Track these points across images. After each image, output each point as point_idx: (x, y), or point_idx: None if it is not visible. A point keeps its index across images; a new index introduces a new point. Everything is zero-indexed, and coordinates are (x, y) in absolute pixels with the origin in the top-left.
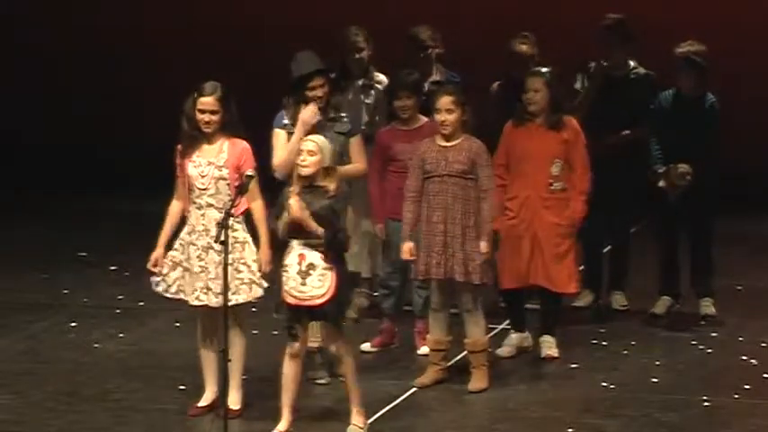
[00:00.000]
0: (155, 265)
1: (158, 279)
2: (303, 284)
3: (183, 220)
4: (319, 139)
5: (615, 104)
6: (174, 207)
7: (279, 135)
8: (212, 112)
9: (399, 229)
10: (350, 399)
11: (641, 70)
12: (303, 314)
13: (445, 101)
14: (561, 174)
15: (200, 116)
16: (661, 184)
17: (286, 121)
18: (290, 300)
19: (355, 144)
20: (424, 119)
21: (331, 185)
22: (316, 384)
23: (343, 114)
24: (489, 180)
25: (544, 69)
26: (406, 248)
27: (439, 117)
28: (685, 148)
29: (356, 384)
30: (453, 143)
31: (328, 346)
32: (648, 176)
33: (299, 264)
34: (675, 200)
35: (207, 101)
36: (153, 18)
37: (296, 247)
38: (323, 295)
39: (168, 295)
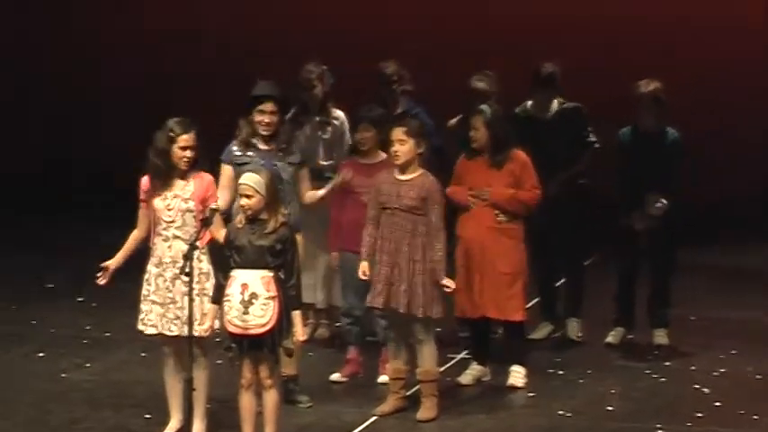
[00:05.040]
0: (106, 270)
1: (141, 317)
2: (245, 314)
3: (147, 252)
4: (252, 178)
5: (551, 144)
6: (135, 234)
7: (225, 171)
8: (192, 148)
9: (355, 260)
10: None
11: (569, 105)
12: (245, 343)
13: (397, 132)
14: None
15: (181, 153)
16: (637, 225)
17: (237, 153)
18: (231, 329)
19: (303, 176)
20: (384, 154)
21: (272, 219)
22: (300, 408)
23: (294, 147)
24: (439, 220)
25: (485, 107)
26: (362, 269)
27: (392, 148)
28: (650, 182)
29: (275, 421)
30: (408, 177)
31: (262, 376)
32: (621, 222)
33: (242, 293)
34: (644, 238)
35: (188, 137)
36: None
37: (238, 277)
38: (265, 324)
39: (147, 331)
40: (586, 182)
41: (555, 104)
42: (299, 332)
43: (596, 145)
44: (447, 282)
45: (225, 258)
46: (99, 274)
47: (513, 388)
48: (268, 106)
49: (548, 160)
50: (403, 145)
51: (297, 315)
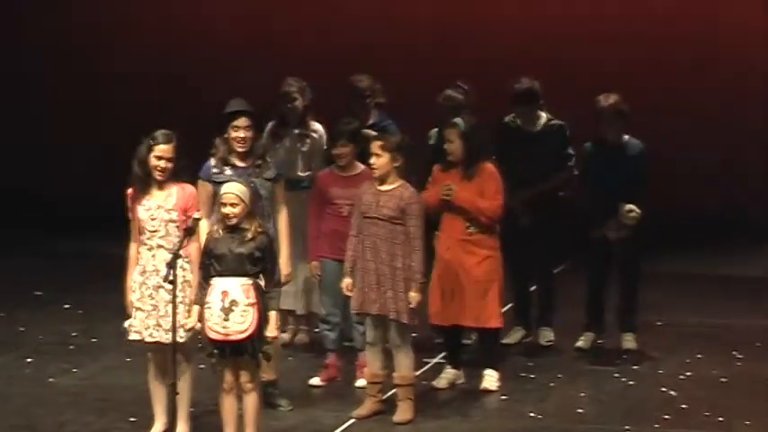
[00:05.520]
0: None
1: (128, 324)
2: (226, 320)
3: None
4: (237, 187)
5: (536, 156)
6: (133, 250)
7: (202, 187)
8: (168, 160)
9: (334, 268)
10: None
11: (556, 122)
12: (226, 350)
13: (374, 146)
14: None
15: (156, 163)
16: (610, 234)
17: (213, 169)
18: (212, 335)
19: (279, 188)
20: (362, 166)
21: (251, 228)
22: (280, 411)
23: (269, 161)
24: (417, 230)
25: (459, 120)
26: (345, 284)
27: (370, 161)
28: (618, 193)
29: (256, 423)
30: (387, 188)
31: (242, 380)
32: (591, 232)
33: (222, 300)
34: (618, 246)
35: (165, 149)
36: None
37: (218, 285)
38: (245, 331)
39: (131, 337)
40: (564, 194)
41: (543, 118)
42: (272, 330)
43: (570, 162)
44: (412, 295)
45: (204, 265)
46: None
47: (487, 391)
48: (242, 122)
49: (530, 172)
50: (379, 158)
51: (272, 315)
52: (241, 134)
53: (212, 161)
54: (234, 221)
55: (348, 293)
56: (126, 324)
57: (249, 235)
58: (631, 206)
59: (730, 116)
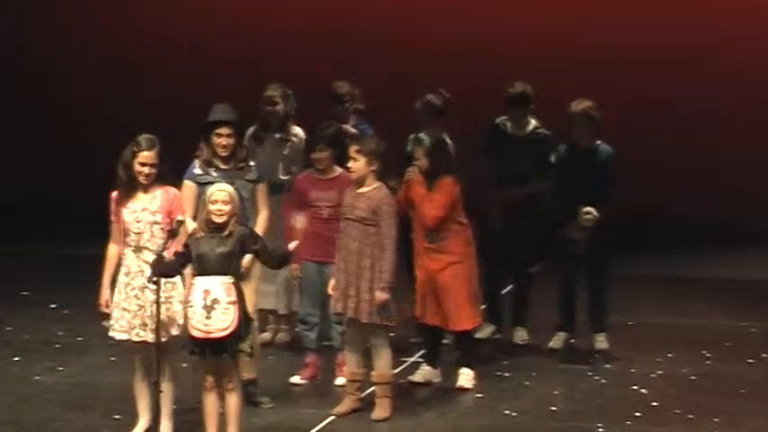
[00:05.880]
0: (107, 306)
1: (111, 323)
2: (208, 318)
3: (118, 262)
4: (228, 188)
5: (518, 160)
6: (112, 250)
7: (186, 188)
8: (152, 165)
9: (313, 270)
10: None
11: (543, 131)
12: (207, 347)
13: (351, 150)
14: (441, 225)
15: (140, 168)
16: (574, 235)
17: (197, 171)
18: (195, 333)
19: (261, 190)
20: (340, 169)
21: (234, 229)
22: (262, 409)
23: (251, 164)
24: (389, 230)
25: (424, 137)
26: (330, 284)
27: (348, 164)
28: (586, 196)
29: (237, 421)
30: (364, 190)
31: (224, 379)
32: (557, 233)
33: (204, 299)
34: (581, 247)
35: (148, 155)
36: None
37: (200, 284)
38: (226, 328)
39: (119, 337)
40: (542, 200)
41: (531, 125)
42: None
43: (550, 172)
44: (378, 294)
45: (181, 255)
46: (103, 308)
47: (463, 389)
48: (224, 130)
49: (513, 176)
50: (355, 162)
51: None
52: (223, 141)
53: (196, 163)
54: (223, 219)
55: (330, 293)
56: (106, 324)
57: (227, 232)
58: (589, 209)
59: (702, 121)
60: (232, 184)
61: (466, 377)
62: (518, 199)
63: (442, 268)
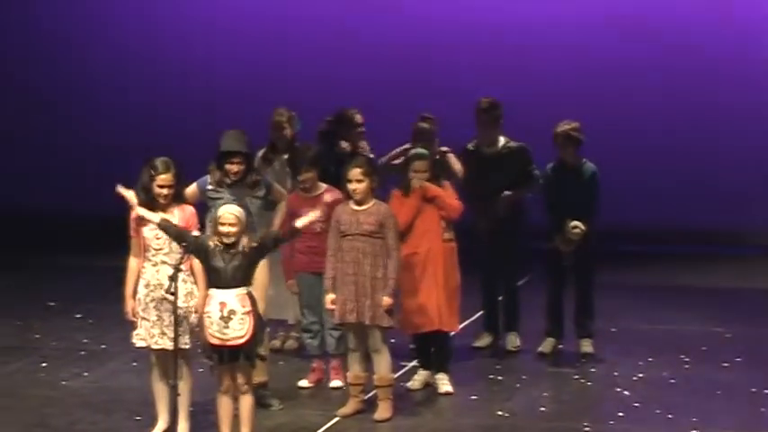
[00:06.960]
0: (133, 315)
1: (137, 333)
2: (226, 327)
3: (138, 275)
4: (234, 209)
5: (492, 177)
6: (133, 263)
7: (191, 187)
8: (169, 187)
9: (311, 279)
10: None
11: (513, 144)
12: (225, 354)
13: (355, 172)
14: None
15: (158, 191)
16: (562, 247)
17: (210, 188)
18: (213, 341)
19: (281, 207)
20: (324, 186)
21: (243, 242)
22: (272, 410)
23: (260, 181)
24: (395, 240)
25: (423, 150)
26: (328, 300)
27: (350, 186)
28: (572, 210)
29: (250, 422)
30: (364, 207)
31: (238, 383)
32: (547, 243)
33: (221, 310)
34: (568, 257)
35: (165, 177)
36: None
37: (216, 296)
38: (243, 336)
39: (139, 344)
40: (526, 209)
41: (501, 141)
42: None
43: (540, 181)
44: (386, 299)
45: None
46: (130, 316)
47: (449, 394)
48: (236, 158)
49: (488, 192)
50: (360, 183)
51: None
52: (234, 168)
53: (208, 178)
54: (232, 239)
55: (331, 307)
56: (134, 334)
57: (240, 248)
58: (576, 222)
59: (689, 135)
60: (236, 200)
61: (443, 382)
62: (504, 205)
63: (411, 277)
